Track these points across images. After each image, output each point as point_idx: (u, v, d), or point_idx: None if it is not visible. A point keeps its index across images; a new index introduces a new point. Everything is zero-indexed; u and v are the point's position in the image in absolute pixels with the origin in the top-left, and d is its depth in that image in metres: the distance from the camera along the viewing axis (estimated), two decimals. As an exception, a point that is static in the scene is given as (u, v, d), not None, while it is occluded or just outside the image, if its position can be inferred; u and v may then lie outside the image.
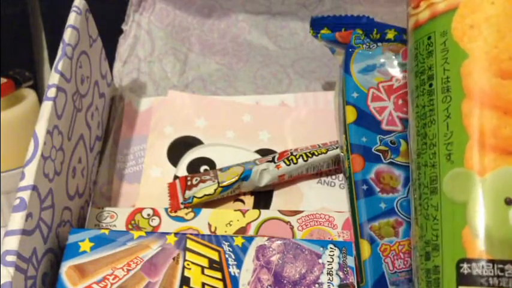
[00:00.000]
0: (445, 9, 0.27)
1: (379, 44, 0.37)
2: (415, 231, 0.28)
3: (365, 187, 0.33)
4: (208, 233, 0.35)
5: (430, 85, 0.27)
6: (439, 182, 0.26)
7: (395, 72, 0.36)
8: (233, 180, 0.36)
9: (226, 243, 0.31)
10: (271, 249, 0.31)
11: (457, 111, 0.26)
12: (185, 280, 0.30)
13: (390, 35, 0.37)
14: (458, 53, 0.26)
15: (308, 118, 0.43)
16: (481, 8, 0.26)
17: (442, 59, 0.27)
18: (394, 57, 0.36)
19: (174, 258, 0.30)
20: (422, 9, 0.28)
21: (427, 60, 0.27)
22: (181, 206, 0.36)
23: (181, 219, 0.35)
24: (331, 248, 0.31)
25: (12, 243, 0.26)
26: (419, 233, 0.27)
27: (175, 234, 0.31)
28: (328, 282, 0.30)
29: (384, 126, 0.34)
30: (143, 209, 0.36)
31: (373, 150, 0.34)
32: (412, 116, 0.29)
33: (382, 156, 0.34)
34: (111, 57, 0.47)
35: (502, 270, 0.23)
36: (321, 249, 0.31)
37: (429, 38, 0.27)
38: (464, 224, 0.24)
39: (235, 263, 0.30)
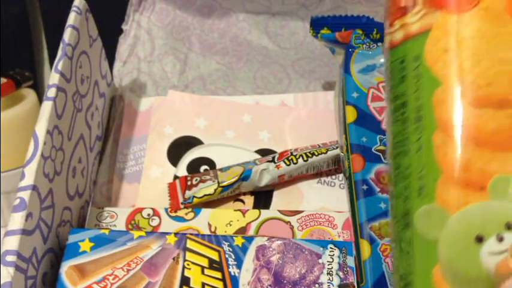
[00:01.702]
0: (419, 32, 0.25)
1: (379, 44, 0.37)
2: (392, 261, 0.27)
3: (365, 187, 0.33)
4: (208, 233, 0.35)
5: (403, 113, 0.25)
6: (411, 216, 0.24)
7: (395, 72, 0.36)
8: (233, 180, 0.36)
9: (226, 243, 0.31)
10: (271, 249, 0.31)
11: (428, 144, 0.24)
12: (185, 280, 0.30)
13: (390, 35, 0.37)
14: (430, 80, 0.24)
15: (308, 118, 0.43)
16: (454, 31, 0.24)
17: (414, 86, 0.25)
18: (394, 57, 0.36)
19: (174, 258, 0.30)
20: (396, 28, 0.26)
21: (400, 86, 0.25)
22: (181, 206, 0.36)
23: (181, 219, 0.35)
24: (331, 248, 0.31)
25: (12, 243, 0.26)
26: (395, 265, 0.26)
27: (175, 234, 0.31)
28: (328, 282, 0.30)
29: (384, 126, 0.34)
30: (143, 209, 0.36)
31: (373, 150, 0.34)
32: (388, 141, 0.27)
33: (382, 156, 0.34)
34: (111, 57, 0.47)
35: None
36: (321, 249, 0.31)
37: (402, 62, 0.25)
38: (435, 262, 0.23)
39: (235, 263, 0.30)
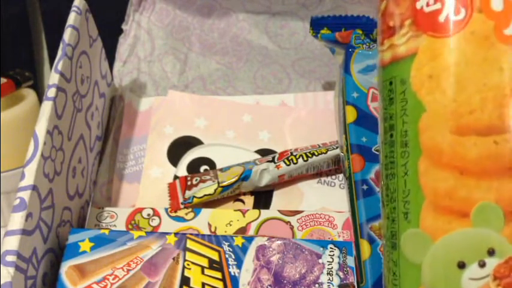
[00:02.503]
0: (405, 55, 0.24)
1: (379, 44, 0.37)
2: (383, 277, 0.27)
3: (365, 187, 0.33)
4: (208, 233, 0.35)
5: (391, 135, 0.25)
6: (397, 238, 0.25)
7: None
8: (233, 180, 0.36)
9: (226, 243, 0.31)
10: (271, 249, 0.31)
11: (414, 169, 0.24)
12: (185, 280, 0.30)
13: (390, 35, 0.37)
14: (416, 105, 0.24)
15: (308, 118, 0.43)
16: (440, 55, 0.23)
17: (401, 110, 0.24)
18: (394, 57, 0.36)
19: (174, 258, 0.30)
20: (385, 48, 0.25)
21: (389, 108, 0.25)
22: (181, 206, 0.36)
23: (181, 219, 0.35)
24: (331, 248, 0.31)
25: (12, 243, 0.26)
26: (385, 283, 0.27)
27: (175, 234, 0.31)
28: (328, 282, 0.30)
29: (383, 126, 0.34)
30: (143, 209, 0.36)
31: (373, 150, 0.34)
32: (380, 161, 0.27)
33: (382, 156, 0.34)
34: (111, 57, 0.47)
35: None
36: (321, 249, 0.31)
37: (390, 83, 0.25)
38: (419, 284, 0.24)
39: (235, 263, 0.30)
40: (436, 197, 0.23)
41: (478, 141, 0.23)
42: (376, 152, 0.34)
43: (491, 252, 0.23)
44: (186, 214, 0.35)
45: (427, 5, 0.24)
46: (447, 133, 0.23)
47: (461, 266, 0.23)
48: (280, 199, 0.38)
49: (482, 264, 0.23)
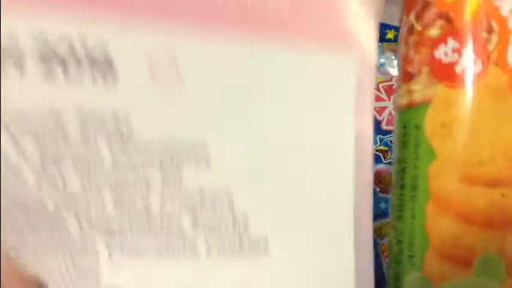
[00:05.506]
0: (421, 102, 0.24)
1: (379, 44, 0.37)
2: None
3: (365, 187, 0.33)
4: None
5: (402, 178, 0.25)
6: (401, 281, 0.25)
7: (395, 72, 0.36)
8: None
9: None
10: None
11: (421, 214, 0.24)
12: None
13: (390, 35, 0.37)
14: (428, 152, 0.24)
15: (305, 117, 0.42)
16: (454, 105, 0.23)
17: (413, 154, 0.25)
18: (394, 57, 0.36)
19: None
20: (403, 92, 0.26)
21: (402, 151, 0.25)
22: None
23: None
24: (331, 247, 0.31)
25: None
26: None
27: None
28: (329, 282, 0.30)
29: (383, 126, 0.34)
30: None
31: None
32: (390, 201, 0.27)
33: (382, 156, 0.34)
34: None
35: None
36: (322, 249, 0.31)
37: (404, 127, 0.25)
38: None
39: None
40: (441, 244, 0.24)
41: (485, 192, 0.23)
42: (376, 152, 0.34)
43: None
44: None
45: (445, 54, 0.24)
46: (456, 181, 0.23)
47: None
48: (278, 198, 0.38)
49: None
